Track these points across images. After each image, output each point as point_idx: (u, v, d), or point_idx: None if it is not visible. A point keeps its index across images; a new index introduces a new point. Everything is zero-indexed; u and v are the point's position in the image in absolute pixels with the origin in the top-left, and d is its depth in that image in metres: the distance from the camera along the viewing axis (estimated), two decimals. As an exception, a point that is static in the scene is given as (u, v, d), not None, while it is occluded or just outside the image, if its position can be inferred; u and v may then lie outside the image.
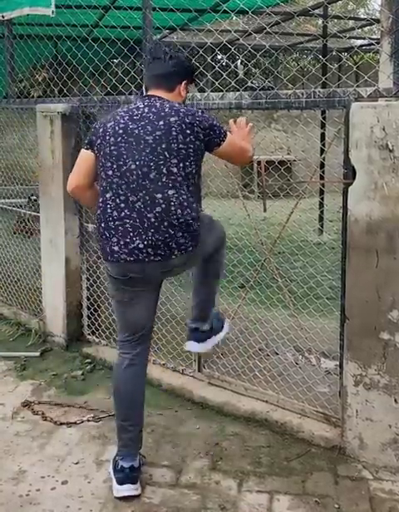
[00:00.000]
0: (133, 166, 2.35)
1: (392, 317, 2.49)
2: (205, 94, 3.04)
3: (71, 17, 4.03)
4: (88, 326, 3.95)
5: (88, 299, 3.93)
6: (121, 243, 2.35)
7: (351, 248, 2.57)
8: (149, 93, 2.55)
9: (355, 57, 10.15)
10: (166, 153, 2.34)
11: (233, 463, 2.67)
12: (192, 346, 2.81)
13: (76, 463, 2.68)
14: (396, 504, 2.37)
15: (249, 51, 3.16)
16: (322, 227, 7.22)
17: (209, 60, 3.66)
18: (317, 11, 7.16)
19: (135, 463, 2.50)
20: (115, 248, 2.37)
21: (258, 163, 9.80)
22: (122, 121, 2.43)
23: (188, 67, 2.62)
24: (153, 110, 2.42)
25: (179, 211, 2.34)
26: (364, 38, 8.14)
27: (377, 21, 2.74)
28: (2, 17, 4.20)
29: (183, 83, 2.57)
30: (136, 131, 2.38)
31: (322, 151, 7.17)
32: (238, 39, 3.59)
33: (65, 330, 3.93)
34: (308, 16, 8.06)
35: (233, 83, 3.09)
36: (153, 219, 2.31)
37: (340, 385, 2.71)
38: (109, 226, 2.39)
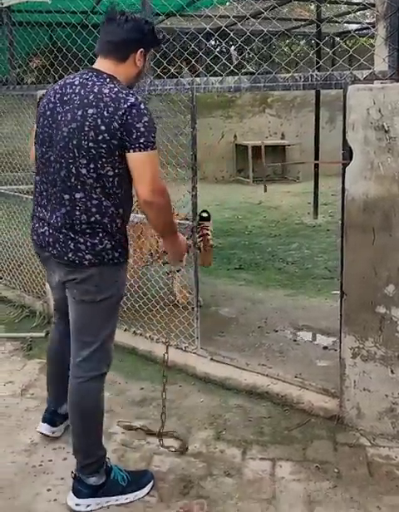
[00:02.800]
0: (52, 158, 2.17)
1: (388, 291, 2.60)
2: (205, 78, 3.10)
3: (69, 3, 4.08)
4: (91, 307, 4.03)
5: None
6: (37, 225, 2.30)
7: (348, 226, 2.66)
8: (96, 63, 2.24)
9: (349, 42, 10.20)
10: (76, 151, 2.08)
11: (237, 433, 2.78)
12: (69, 499, 2.30)
13: (86, 435, 2.78)
14: (393, 469, 2.50)
15: (246, 35, 3.23)
16: (316, 210, 7.32)
17: (207, 45, 3.73)
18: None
19: (59, 410, 2.71)
20: (32, 227, 2.34)
21: (253, 148, 9.90)
22: (52, 101, 2.19)
23: (147, 33, 2.23)
24: (82, 92, 2.11)
25: (84, 217, 2.13)
26: (359, 23, 8.19)
27: (373, 5, 2.81)
28: (1, 4, 4.25)
29: (139, 52, 2.22)
30: (59, 117, 2.14)
31: (315, 136, 7.27)
32: (235, 24, 3.65)
33: (69, 311, 4.01)
34: (303, 1, 8.09)
35: (232, 68, 3.16)
36: (59, 219, 2.16)
37: (339, 357, 2.82)
38: (34, 207, 2.33)
